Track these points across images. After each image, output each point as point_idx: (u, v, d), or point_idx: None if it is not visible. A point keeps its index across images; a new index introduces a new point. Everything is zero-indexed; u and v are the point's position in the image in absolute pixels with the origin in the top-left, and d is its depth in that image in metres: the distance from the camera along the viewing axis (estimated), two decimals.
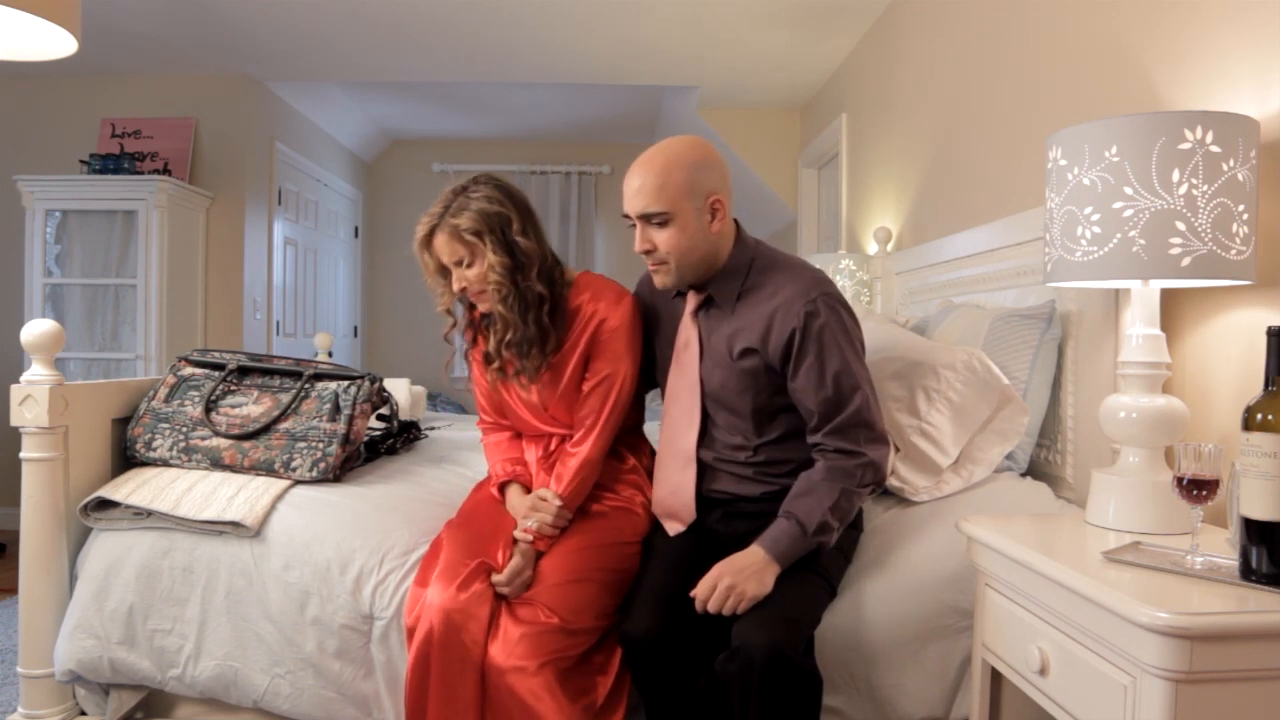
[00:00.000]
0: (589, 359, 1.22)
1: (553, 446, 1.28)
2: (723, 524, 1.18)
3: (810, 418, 1.10)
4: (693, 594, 1.03)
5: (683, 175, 1.08)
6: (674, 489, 1.19)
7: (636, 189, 1.10)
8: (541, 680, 1.03)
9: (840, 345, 1.08)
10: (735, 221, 1.17)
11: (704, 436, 1.19)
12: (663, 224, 1.10)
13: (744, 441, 1.16)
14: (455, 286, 1.20)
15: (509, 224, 1.16)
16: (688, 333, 1.18)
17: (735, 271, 1.14)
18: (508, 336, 1.19)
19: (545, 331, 1.19)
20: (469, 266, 1.17)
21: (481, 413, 1.33)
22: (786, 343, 1.08)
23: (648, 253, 1.12)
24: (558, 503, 1.17)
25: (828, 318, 1.07)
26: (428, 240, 1.19)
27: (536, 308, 1.18)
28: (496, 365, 1.22)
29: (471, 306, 1.25)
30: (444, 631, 1.06)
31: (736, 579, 1.01)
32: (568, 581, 1.11)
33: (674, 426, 1.20)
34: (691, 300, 1.19)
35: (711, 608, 1.01)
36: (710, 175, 1.10)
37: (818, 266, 2.59)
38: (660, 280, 1.15)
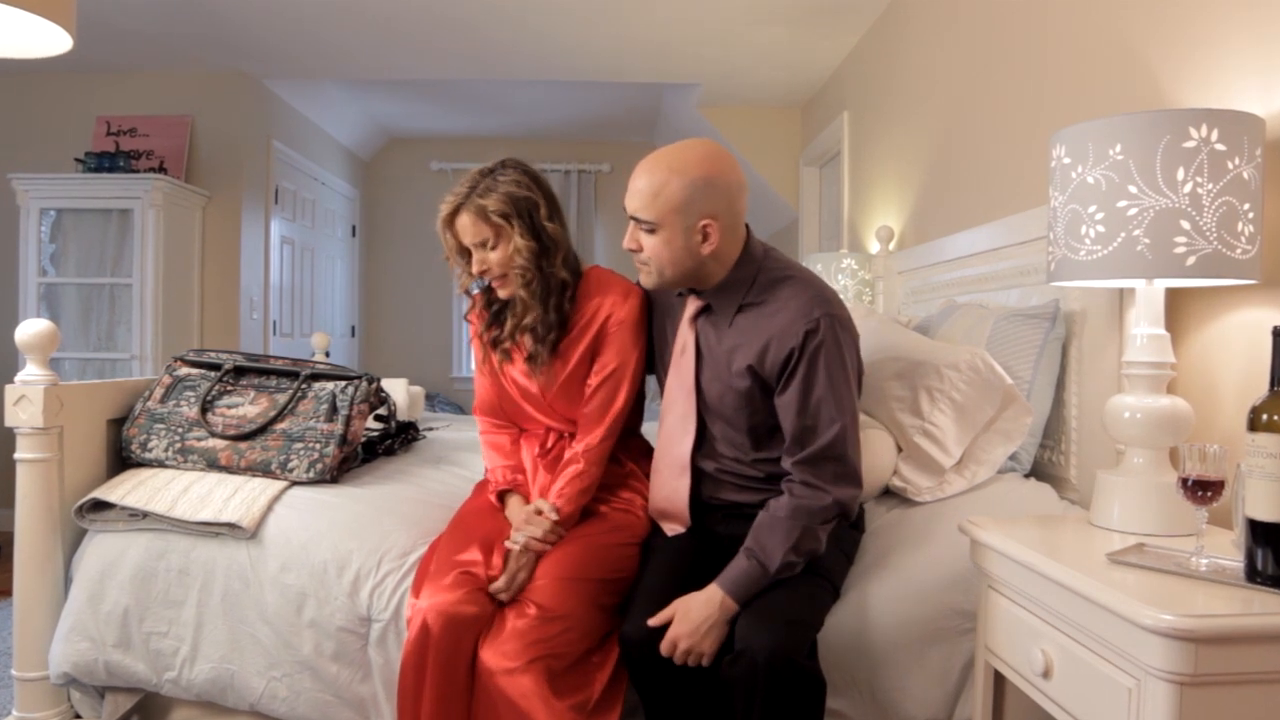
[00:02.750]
0: (595, 353, 1.21)
1: (550, 444, 1.27)
2: (723, 525, 1.18)
3: (787, 437, 1.08)
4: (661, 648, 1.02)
5: (679, 192, 1.05)
6: (669, 495, 1.18)
7: (635, 189, 1.09)
8: (530, 680, 1.03)
9: (831, 371, 1.05)
10: (747, 228, 1.13)
11: (705, 446, 1.18)
12: (650, 231, 1.08)
13: (741, 455, 1.15)
14: (476, 269, 1.18)
15: (536, 209, 1.15)
16: (685, 338, 1.17)
17: (737, 285, 1.12)
18: (526, 319, 1.17)
19: (564, 318, 1.19)
20: (493, 249, 1.16)
21: (482, 409, 1.32)
22: (784, 360, 1.07)
23: (634, 250, 1.12)
24: (554, 517, 1.15)
25: (826, 338, 1.05)
26: (451, 219, 1.17)
27: (559, 294, 1.18)
28: (505, 347, 1.21)
29: (487, 292, 1.24)
30: (436, 631, 1.05)
31: (693, 641, 1.00)
32: (563, 580, 1.10)
33: (670, 433, 1.18)
34: (690, 305, 1.17)
35: (678, 662, 1.01)
36: (710, 198, 1.06)
37: (820, 268, 2.55)
38: (643, 279, 1.14)
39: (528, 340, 1.19)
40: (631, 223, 1.11)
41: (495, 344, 1.23)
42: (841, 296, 2.31)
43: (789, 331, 1.06)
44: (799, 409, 1.06)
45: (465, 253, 1.19)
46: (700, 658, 1.01)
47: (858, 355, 1.11)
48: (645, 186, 1.07)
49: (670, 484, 1.18)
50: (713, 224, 1.07)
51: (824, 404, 1.05)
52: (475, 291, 1.26)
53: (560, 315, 1.18)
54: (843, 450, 1.05)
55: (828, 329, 1.06)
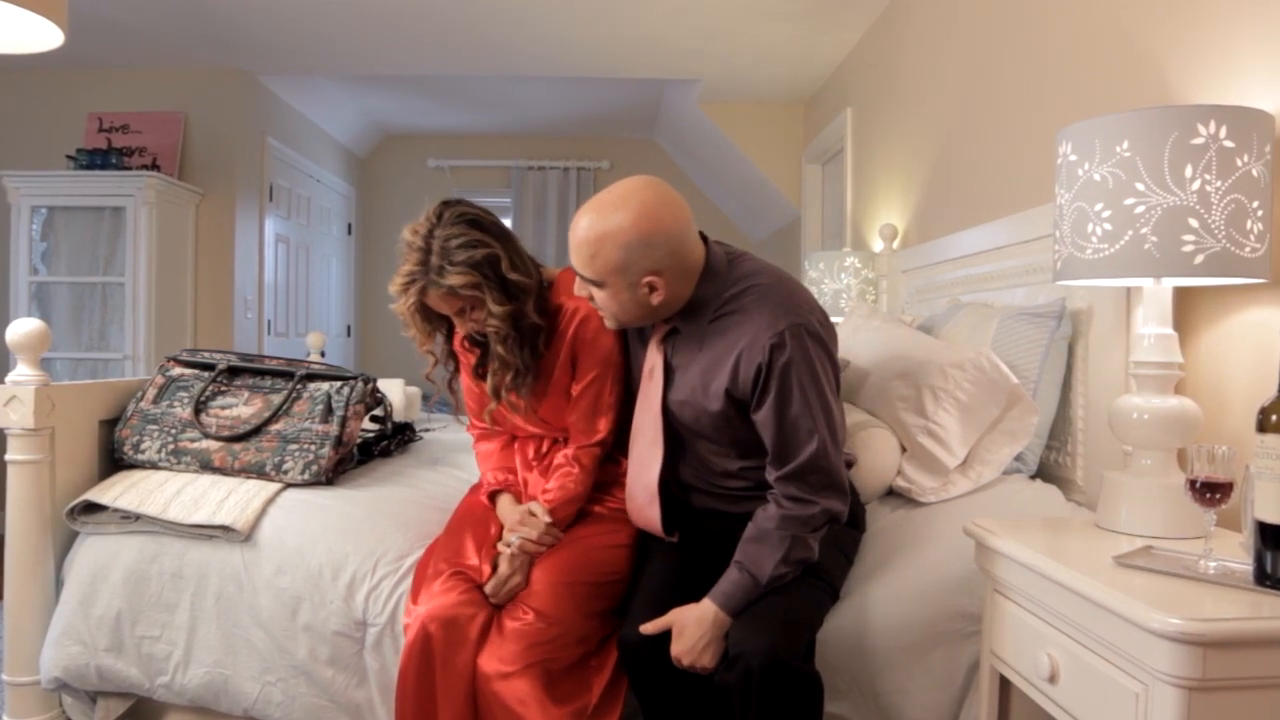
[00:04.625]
0: (574, 358, 1.19)
1: (545, 448, 1.26)
2: (715, 528, 1.16)
3: (769, 453, 1.06)
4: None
5: (615, 253, 1.02)
6: (644, 523, 1.18)
7: (573, 246, 1.05)
8: (526, 684, 1.02)
9: (804, 385, 1.02)
10: (706, 242, 1.09)
11: (692, 461, 1.16)
12: (596, 285, 1.06)
13: (729, 467, 1.14)
14: (462, 330, 1.16)
15: (498, 262, 1.10)
16: (653, 360, 1.14)
17: (703, 304, 1.08)
18: (508, 378, 1.15)
19: (540, 355, 1.17)
20: (471, 311, 1.13)
21: (473, 418, 1.31)
22: (754, 377, 1.04)
23: (588, 299, 1.10)
24: (547, 520, 1.14)
25: (794, 353, 1.02)
26: (421, 300, 1.12)
27: (533, 338, 1.16)
28: (492, 389, 1.19)
29: (449, 336, 1.22)
30: (437, 635, 1.05)
31: (693, 658, 1.00)
32: (558, 584, 1.10)
33: (639, 461, 1.16)
34: (658, 328, 1.14)
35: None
36: (648, 256, 1.02)
37: (822, 266, 2.51)
38: (605, 321, 1.13)
39: (507, 389, 1.17)
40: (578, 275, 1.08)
41: (496, 395, 1.19)
42: (844, 295, 2.30)
43: (755, 346, 1.03)
44: (776, 426, 1.04)
45: (428, 316, 1.15)
46: (705, 670, 1.01)
47: (831, 359, 1.08)
48: (583, 249, 1.04)
49: (644, 512, 1.17)
50: (657, 279, 1.04)
51: (800, 420, 1.03)
52: (439, 344, 1.22)
53: (536, 355, 1.16)
54: (824, 462, 1.03)
55: (793, 341, 1.02)
